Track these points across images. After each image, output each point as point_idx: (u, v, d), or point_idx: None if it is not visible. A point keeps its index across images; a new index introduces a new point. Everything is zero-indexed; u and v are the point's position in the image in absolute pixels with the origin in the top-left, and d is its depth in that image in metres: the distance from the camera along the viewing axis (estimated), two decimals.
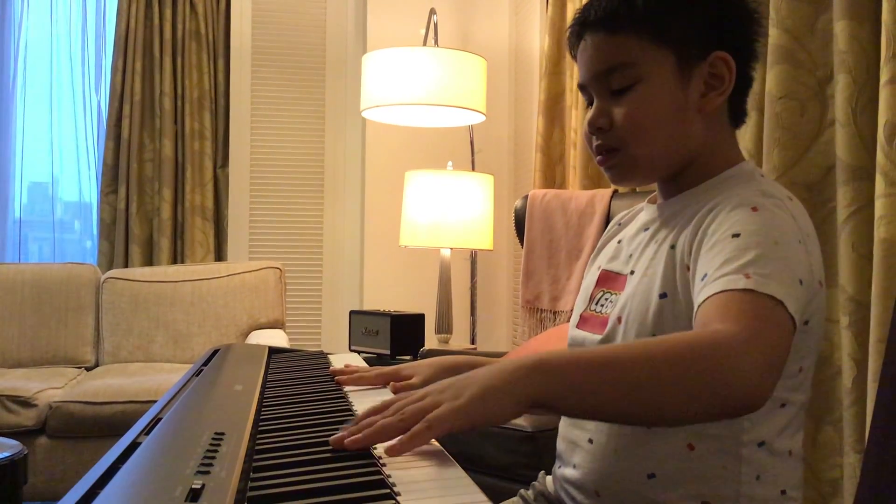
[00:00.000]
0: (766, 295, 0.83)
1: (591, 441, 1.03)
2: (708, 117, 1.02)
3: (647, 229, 1.08)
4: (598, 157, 1.05)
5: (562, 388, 0.78)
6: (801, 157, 1.70)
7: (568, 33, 1.08)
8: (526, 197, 2.67)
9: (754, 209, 0.91)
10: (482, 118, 3.15)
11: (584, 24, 1.04)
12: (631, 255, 1.08)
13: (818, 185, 1.69)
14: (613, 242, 1.15)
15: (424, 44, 3.28)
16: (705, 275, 0.89)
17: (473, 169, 3.40)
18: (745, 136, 1.83)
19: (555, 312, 2.55)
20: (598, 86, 1.03)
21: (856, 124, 1.56)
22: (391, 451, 0.75)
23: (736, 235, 0.89)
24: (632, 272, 1.05)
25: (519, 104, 3.72)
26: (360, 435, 0.77)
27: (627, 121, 1.00)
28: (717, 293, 0.84)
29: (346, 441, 0.76)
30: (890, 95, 1.46)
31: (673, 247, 0.99)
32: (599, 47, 1.02)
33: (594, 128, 1.03)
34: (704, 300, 0.86)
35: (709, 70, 1.00)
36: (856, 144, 1.56)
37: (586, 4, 1.05)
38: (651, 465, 0.97)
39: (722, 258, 0.87)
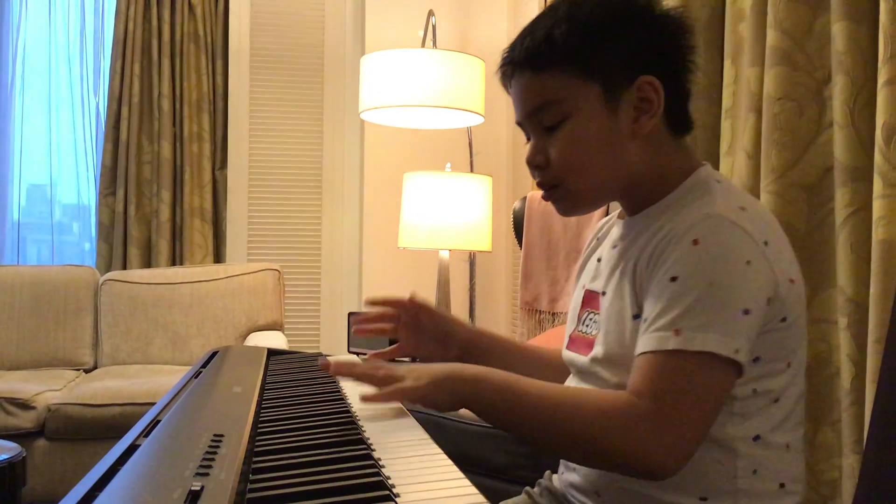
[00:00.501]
0: (694, 352, 0.88)
1: None
2: (645, 139, 1.02)
3: (615, 247, 1.09)
4: (543, 194, 1.08)
5: (480, 406, 0.98)
6: (799, 158, 1.70)
7: (499, 72, 1.09)
8: (524, 198, 2.67)
9: (695, 242, 0.92)
10: (481, 120, 3.16)
11: (510, 63, 1.06)
12: (603, 273, 1.09)
13: (816, 186, 1.69)
14: (593, 261, 1.16)
15: (423, 45, 3.28)
16: (646, 319, 0.94)
17: (472, 170, 3.40)
18: (742, 138, 1.83)
19: (553, 314, 2.55)
20: (531, 124, 1.05)
21: (854, 126, 1.56)
22: (366, 398, 0.98)
23: (674, 279, 0.92)
24: (604, 293, 1.07)
25: None
26: (343, 368, 1.04)
27: (561, 157, 1.02)
28: (649, 352, 0.91)
29: (332, 370, 1.06)
30: (888, 97, 1.46)
31: (635, 267, 1.01)
32: (527, 87, 1.04)
33: (532, 166, 1.06)
34: (640, 354, 0.93)
35: (637, 95, 1.01)
36: (854, 146, 1.56)
37: (511, 44, 1.06)
38: None
39: (659, 306, 0.92)
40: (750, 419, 0.96)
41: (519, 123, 1.09)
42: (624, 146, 1.02)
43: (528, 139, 1.08)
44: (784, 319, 0.96)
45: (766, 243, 0.94)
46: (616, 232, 1.11)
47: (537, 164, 1.05)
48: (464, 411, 1.99)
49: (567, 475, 1.10)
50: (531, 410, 0.95)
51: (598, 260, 1.13)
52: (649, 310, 0.94)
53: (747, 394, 0.96)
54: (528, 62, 1.03)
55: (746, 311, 0.90)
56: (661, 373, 0.89)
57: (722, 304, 0.90)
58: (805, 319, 1.02)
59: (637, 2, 1.04)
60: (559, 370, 1.17)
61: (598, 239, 1.20)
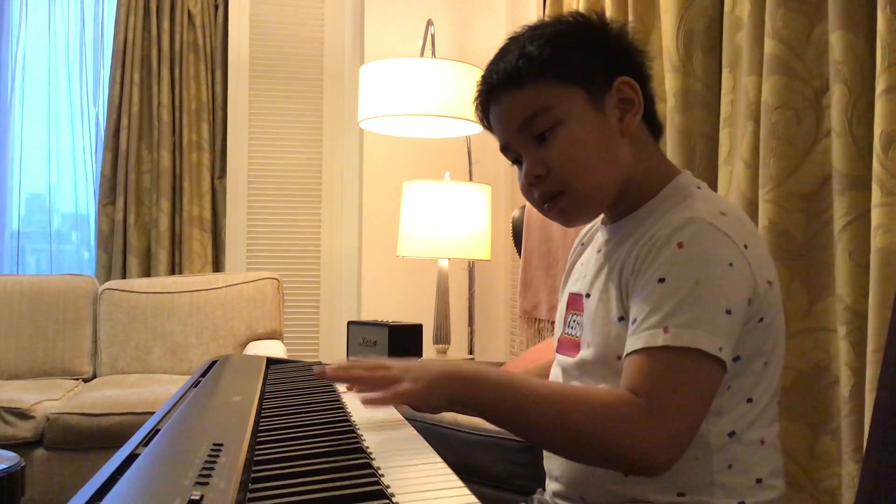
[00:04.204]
0: (683, 348, 0.92)
1: None
2: (632, 139, 1.07)
3: (600, 251, 1.12)
4: (545, 206, 1.08)
5: (479, 405, 0.97)
6: (797, 166, 1.70)
7: (476, 104, 1.11)
8: (523, 207, 2.67)
9: (680, 245, 0.96)
10: (479, 129, 3.16)
11: (490, 90, 1.08)
12: (586, 276, 1.13)
13: (814, 194, 1.69)
14: (578, 266, 1.20)
15: (422, 55, 3.29)
16: (635, 319, 0.97)
17: (471, 179, 3.41)
18: (741, 146, 1.83)
19: (552, 322, 2.55)
20: (522, 138, 1.06)
21: (851, 134, 1.57)
22: (367, 401, 0.98)
23: (661, 280, 0.96)
24: (588, 295, 1.10)
25: None
26: (341, 372, 1.02)
27: (562, 160, 1.04)
28: (639, 349, 0.94)
29: (329, 372, 1.02)
30: (885, 105, 1.47)
31: (621, 271, 1.04)
32: (511, 104, 1.06)
33: (532, 178, 1.06)
34: (631, 353, 0.96)
35: (617, 96, 1.05)
36: (852, 154, 1.57)
37: (485, 73, 1.10)
38: None
39: (648, 306, 0.95)
40: (724, 416, 0.99)
41: (504, 148, 1.10)
42: (617, 145, 1.05)
43: (514, 162, 1.10)
44: (762, 320, 1.00)
45: (745, 247, 0.98)
46: (600, 237, 1.15)
47: (538, 174, 1.05)
48: (462, 418, 1.99)
49: (551, 485, 1.12)
50: (531, 407, 0.96)
51: (582, 265, 1.17)
52: (638, 310, 0.97)
53: (722, 391, 0.98)
54: (508, 82, 1.05)
55: (729, 311, 0.94)
56: (653, 369, 0.93)
57: (707, 303, 0.94)
58: (782, 321, 1.05)
59: (592, 19, 1.09)
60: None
61: (582, 244, 1.24)
